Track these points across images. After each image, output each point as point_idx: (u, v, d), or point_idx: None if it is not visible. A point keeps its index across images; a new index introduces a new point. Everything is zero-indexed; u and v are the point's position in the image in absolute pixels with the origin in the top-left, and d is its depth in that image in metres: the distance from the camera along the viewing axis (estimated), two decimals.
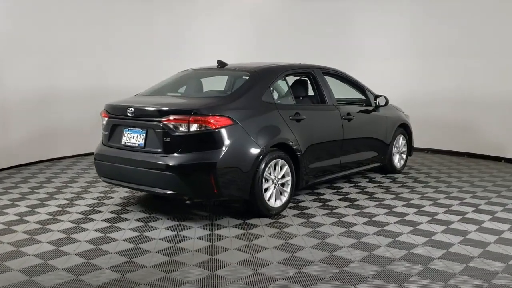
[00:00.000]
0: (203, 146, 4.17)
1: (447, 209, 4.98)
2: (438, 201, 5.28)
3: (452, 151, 8.79)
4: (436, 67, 8.77)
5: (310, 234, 4.14)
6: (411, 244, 3.89)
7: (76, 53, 8.00)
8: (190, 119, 4.13)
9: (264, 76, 4.90)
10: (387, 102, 6.22)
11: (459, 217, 4.66)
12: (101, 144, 4.88)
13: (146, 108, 4.43)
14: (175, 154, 4.16)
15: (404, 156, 7.04)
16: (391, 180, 6.43)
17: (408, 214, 4.76)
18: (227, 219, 4.58)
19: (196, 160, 4.13)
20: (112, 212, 4.83)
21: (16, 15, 7.17)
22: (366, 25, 9.39)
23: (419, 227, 4.35)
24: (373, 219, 4.61)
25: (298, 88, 5.51)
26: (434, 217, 4.66)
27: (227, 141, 4.21)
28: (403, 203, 5.21)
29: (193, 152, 4.16)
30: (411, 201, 5.27)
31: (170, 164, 4.12)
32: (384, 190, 5.82)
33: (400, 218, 4.63)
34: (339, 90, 6.58)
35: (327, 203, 5.16)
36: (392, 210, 4.92)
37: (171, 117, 4.20)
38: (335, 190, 5.76)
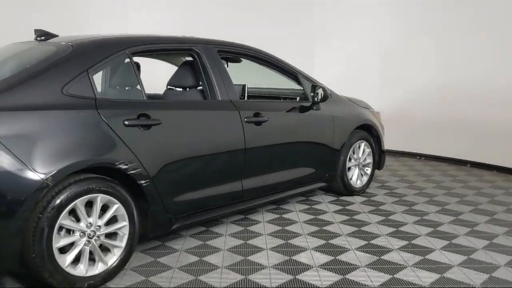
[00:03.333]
0: None
1: (391, 276, 2.95)
2: (385, 257, 3.27)
3: (452, 159, 6.65)
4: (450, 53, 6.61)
5: None
6: None
7: None
8: None
9: (83, 54, 2.97)
10: (325, 96, 4.19)
11: None
12: None
13: None
14: None
15: (369, 171, 4.98)
16: (340, 208, 4.42)
17: None
18: None
19: None
20: None
21: None
22: None
23: None
24: None
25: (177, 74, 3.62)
26: None
27: None
28: (328, 259, 3.22)
29: None
30: (344, 255, 3.27)
31: None
32: (315, 229, 3.83)
33: None
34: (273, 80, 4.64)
35: (206, 258, 3.22)
36: (298, 278, 2.94)
37: None
38: (241, 228, 3.81)
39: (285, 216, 4.15)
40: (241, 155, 3.59)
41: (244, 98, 4.55)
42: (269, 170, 3.90)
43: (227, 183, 3.57)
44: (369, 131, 4.99)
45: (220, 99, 3.54)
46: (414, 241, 3.57)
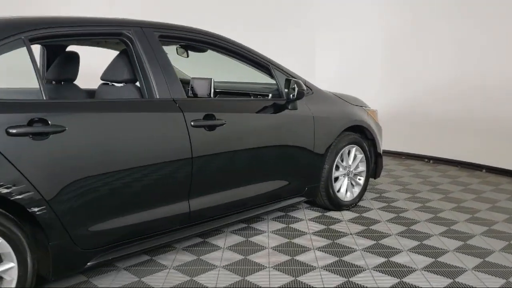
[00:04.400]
0: None
1: None
2: None
3: (464, 162, 5.80)
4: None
5: None
6: None
7: None
8: None
9: None
10: (300, 92, 3.40)
11: None
12: None
13: None
14: None
15: (362, 180, 4.18)
16: (322, 228, 3.65)
17: None
18: None
19: None
20: None
21: None
22: None
23: None
24: None
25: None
26: None
27: None
28: None
29: None
30: None
31: None
32: (285, 259, 3.07)
33: None
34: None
35: None
36: None
37: None
38: (193, 258, 3.08)
39: (253, 239, 3.40)
40: (186, 168, 2.83)
41: (210, 95, 3.82)
42: (226, 186, 3.14)
43: (167, 204, 2.82)
44: (362, 134, 4.20)
45: (158, 97, 2.78)
46: (407, 279, 2.78)
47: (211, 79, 3.94)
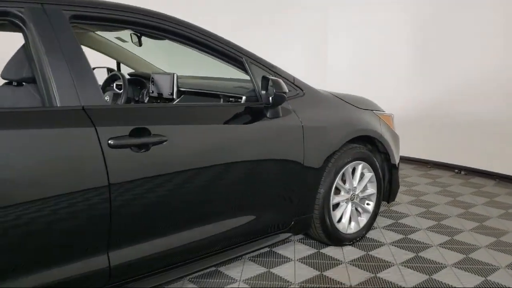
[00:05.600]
0: None
1: None
2: None
3: (504, 176, 4.78)
4: None
5: None
6: None
7: None
8: None
9: None
10: (279, 96, 2.47)
11: None
12: None
13: None
14: None
15: (371, 206, 3.24)
16: (314, 274, 2.79)
17: None
18: None
19: None
20: None
21: None
22: None
23: None
24: None
25: None
26: None
27: None
28: None
29: None
30: None
31: None
32: None
33: None
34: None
35: None
36: None
37: None
38: None
39: None
40: (100, 208, 1.95)
41: (172, 95, 2.97)
42: (164, 230, 2.24)
43: (72, 261, 1.94)
44: (372, 145, 3.26)
45: (58, 104, 1.91)
46: None
47: (173, 74, 3.09)
